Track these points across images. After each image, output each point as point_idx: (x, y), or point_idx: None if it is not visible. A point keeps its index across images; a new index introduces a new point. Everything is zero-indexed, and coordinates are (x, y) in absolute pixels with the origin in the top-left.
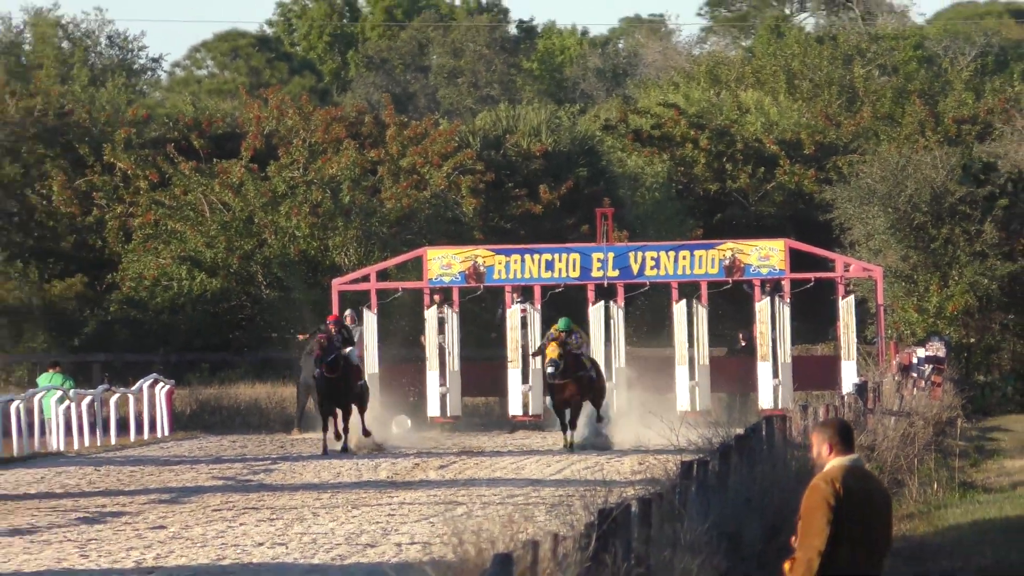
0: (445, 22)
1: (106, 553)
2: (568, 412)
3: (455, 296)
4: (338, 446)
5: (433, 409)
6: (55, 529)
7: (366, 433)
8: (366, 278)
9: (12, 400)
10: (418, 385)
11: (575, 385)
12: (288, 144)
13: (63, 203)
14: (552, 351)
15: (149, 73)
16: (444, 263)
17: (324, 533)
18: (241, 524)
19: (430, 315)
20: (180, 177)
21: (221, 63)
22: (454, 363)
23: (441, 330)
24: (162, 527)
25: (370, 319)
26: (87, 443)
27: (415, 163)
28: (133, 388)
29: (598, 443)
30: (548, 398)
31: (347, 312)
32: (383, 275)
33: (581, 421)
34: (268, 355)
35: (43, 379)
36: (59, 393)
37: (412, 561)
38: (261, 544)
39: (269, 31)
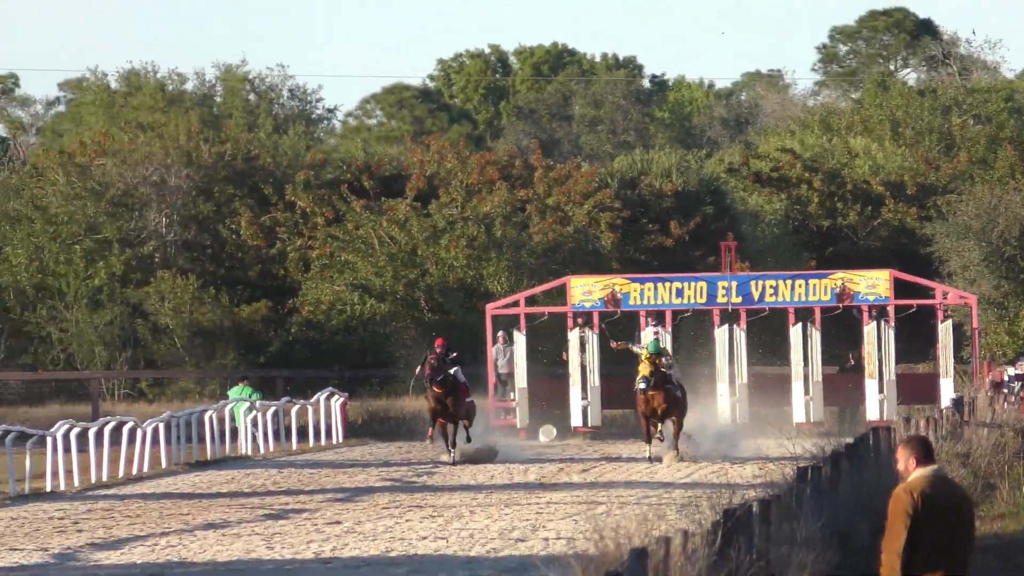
0: (586, 76)
1: (288, 545)
2: (653, 424)
3: (595, 319)
4: (448, 458)
5: (576, 419)
6: (244, 524)
7: (468, 439)
8: (516, 303)
9: (206, 410)
10: (562, 398)
11: (662, 396)
12: (447, 185)
13: (250, 237)
14: (644, 368)
15: (325, 122)
16: (585, 290)
17: (480, 529)
18: (407, 520)
19: (573, 336)
20: (352, 214)
21: (388, 113)
22: (595, 379)
23: (583, 349)
24: (337, 522)
25: (519, 340)
26: (271, 448)
27: (559, 201)
28: (311, 400)
29: (687, 454)
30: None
31: (500, 333)
32: (531, 301)
33: (668, 437)
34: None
35: (234, 392)
36: (247, 404)
37: (558, 555)
38: (424, 538)
39: (431, 84)
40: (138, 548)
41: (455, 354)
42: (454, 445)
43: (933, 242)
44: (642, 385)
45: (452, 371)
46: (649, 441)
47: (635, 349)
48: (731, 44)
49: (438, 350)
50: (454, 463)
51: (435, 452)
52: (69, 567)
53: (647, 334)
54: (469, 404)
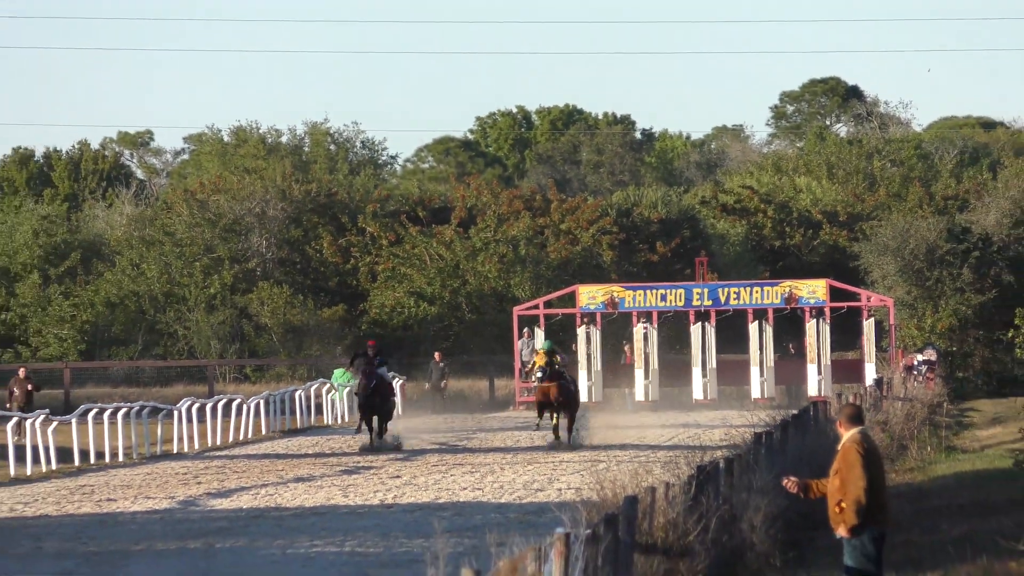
0: (591, 130)
1: (360, 494)
2: (549, 411)
3: (598, 319)
4: (372, 444)
5: (583, 396)
6: (325, 478)
7: (384, 430)
8: (536, 306)
9: (296, 390)
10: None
11: (556, 388)
12: (483, 214)
13: (330, 255)
14: (540, 360)
15: (388, 166)
16: (590, 296)
17: (508, 481)
18: (451, 475)
19: (581, 332)
20: (410, 237)
21: (437, 159)
22: (597, 364)
23: (588, 341)
24: (398, 476)
25: (539, 334)
26: (346, 419)
27: (570, 227)
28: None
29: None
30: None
31: (524, 330)
32: (548, 304)
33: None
34: (470, 359)
35: (337, 373)
36: (348, 385)
37: (568, 501)
38: (465, 488)
39: (471, 136)
40: (244, 496)
41: (383, 357)
42: (380, 436)
43: (859, 257)
44: (539, 375)
45: (380, 371)
46: (540, 416)
47: (533, 359)
48: (703, 104)
49: (370, 351)
50: (374, 449)
51: (361, 440)
52: (191, 511)
53: (638, 330)
54: (392, 403)
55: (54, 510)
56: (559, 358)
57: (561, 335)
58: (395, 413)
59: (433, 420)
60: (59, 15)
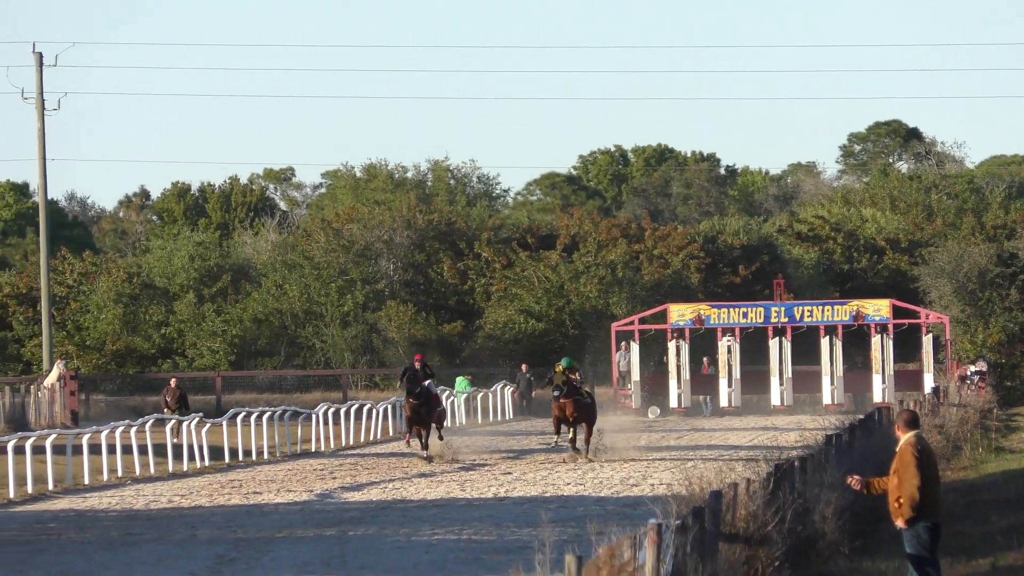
0: (681, 167)
1: (475, 488)
2: (565, 426)
3: (687, 334)
4: (423, 454)
5: (673, 402)
6: (445, 474)
7: (440, 438)
8: (632, 323)
9: None
10: (663, 387)
11: (572, 405)
12: (584, 241)
13: (449, 277)
14: (558, 378)
15: (501, 198)
16: (680, 313)
17: (607, 477)
18: (556, 471)
19: (671, 346)
20: (520, 261)
21: (544, 192)
22: (686, 374)
23: (678, 354)
24: (509, 473)
25: (634, 348)
26: (466, 422)
27: (662, 252)
28: (491, 389)
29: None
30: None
31: (622, 343)
32: (642, 321)
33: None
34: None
35: (459, 381)
36: (467, 392)
37: (660, 495)
38: (568, 484)
39: (574, 172)
40: (374, 490)
41: (429, 369)
42: (426, 446)
43: (919, 280)
44: (555, 393)
45: (426, 383)
46: (558, 432)
47: (551, 375)
48: (780, 143)
49: (416, 365)
50: (428, 459)
51: (413, 450)
52: (327, 503)
53: (722, 344)
54: (440, 411)
55: (207, 501)
56: (577, 375)
57: (654, 348)
58: (444, 419)
59: (539, 423)
60: (206, 67)
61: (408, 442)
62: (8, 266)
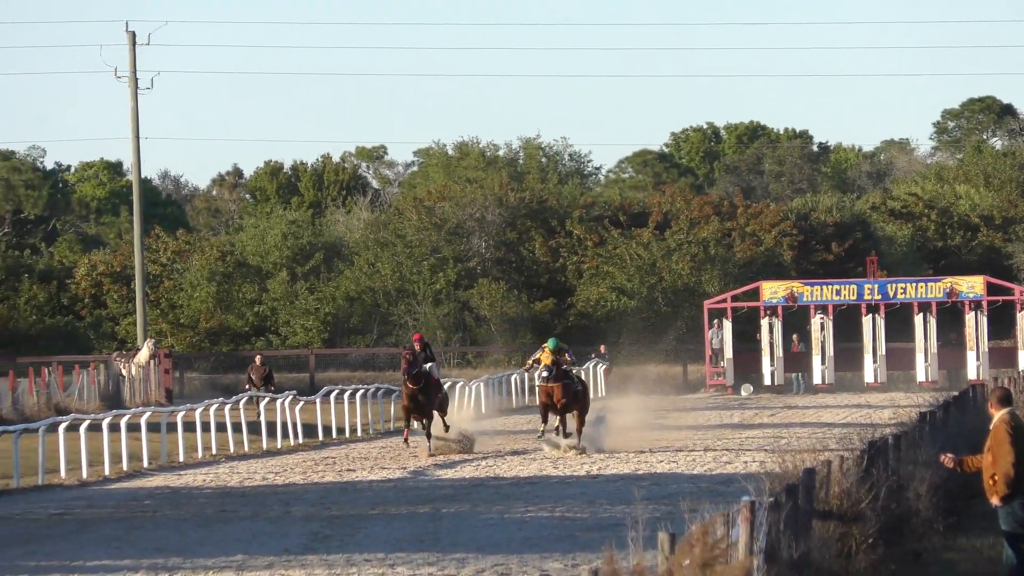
0: (773, 143)
1: (568, 466)
2: (552, 412)
3: (779, 312)
4: (424, 446)
5: (766, 380)
6: (538, 451)
7: (446, 427)
8: (724, 300)
9: (512, 374)
10: (756, 365)
11: (560, 389)
12: (677, 218)
13: (541, 255)
14: (545, 358)
15: (593, 176)
16: (772, 291)
17: (699, 454)
18: (649, 449)
19: (764, 323)
20: (612, 239)
21: (636, 169)
22: (779, 351)
23: (771, 331)
24: (601, 450)
25: (727, 325)
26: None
27: (755, 229)
28: (583, 366)
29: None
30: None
31: (715, 321)
32: (735, 298)
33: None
34: (666, 346)
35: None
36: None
37: (753, 472)
38: (661, 461)
39: (666, 150)
40: (466, 467)
41: (430, 351)
42: (430, 436)
43: (1013, 256)
44: (544, 374)
45: (427, 367)
46: (545, 421)
47: (537, 356)
48: (874, 120)
49: (416, 345)
50: (432, 454)
51: (413, 449)
52: (420, 480)
53: (815, 321)
54: (443, 397)
55: (301, 479)
56: (568, 357)
57: (746, 326)
58: (447, 406)
59: (633, 400)
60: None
61: (406, 439)
62: (102, 244)
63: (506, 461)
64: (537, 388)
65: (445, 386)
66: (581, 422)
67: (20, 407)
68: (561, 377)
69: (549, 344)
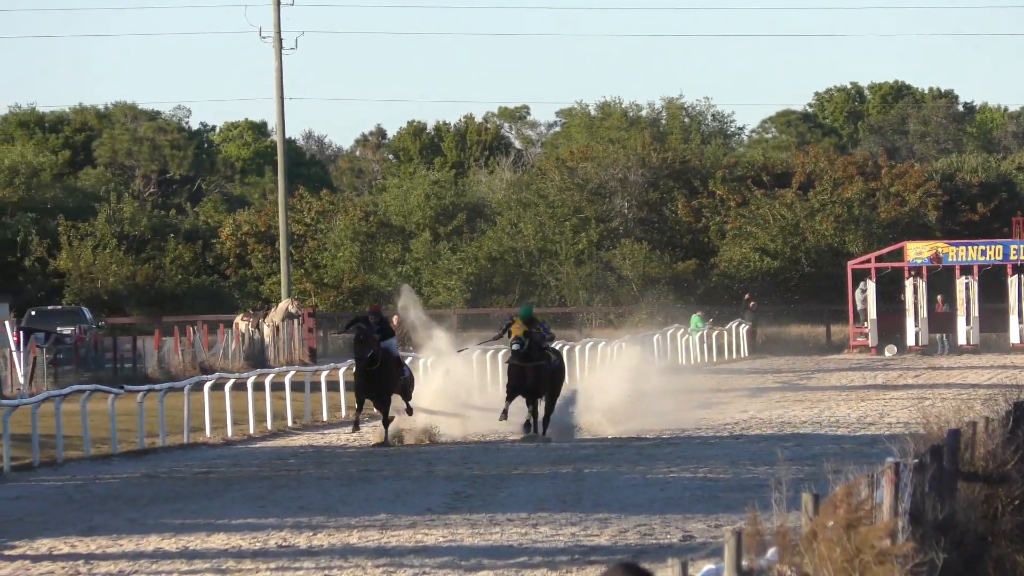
0: (918, 104)
1: (711, 427)
2: (523, 396)
3: (924, 272)
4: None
5: (910, 340)
6: (680, 411)
7: (410, 412)
8: (868, 260)
9: (654, 334)
10: (900, 325)
11: (535, 372)
12: (820, 179)
13: (684, 215)
14: (517, 329)
15: (736, 136)
16: (916, 251)
17: (843, 416)
18: (792, 410)
19: (908, 284)
20: (755, 199)
21: (780, 129)
22: (923, 312)
23: (915, 292)
24: (744, 411)
25: (871, 286)
26: (705, 360)
27: (899, 190)
28: (726, 327)
29: (565, 432)
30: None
31: (861, 283)
32: (879, 259)
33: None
34: (809, 307)
35: (694, 320)
36: (703, 329)
37: (897, 433)
38: (805, 422)
39: (809, 110)
40: (609, 427)
41: (388, 324)
42: (387, 423)
43: None
44: (515, 347)
45: (385, 344)
46: (510, 400)
47: (507, 328)
48: (1020, 79)
49: (371, 319)
50: (386, 444)
51: (369, 441)
52: (562, 439)
53: (960, 283)
54: (405, 379)
55: (444, 438)
56: (540, 328)
57: (890, 286)
58: (411, 388)
59: (776, 361)
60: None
61: (357, 425)
62: (247, 204)
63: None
64: (508, 367)
65: (413, 363)
66: (550, 406)
67: (166, 366)
68: (535, 352)
69: (521, 312)
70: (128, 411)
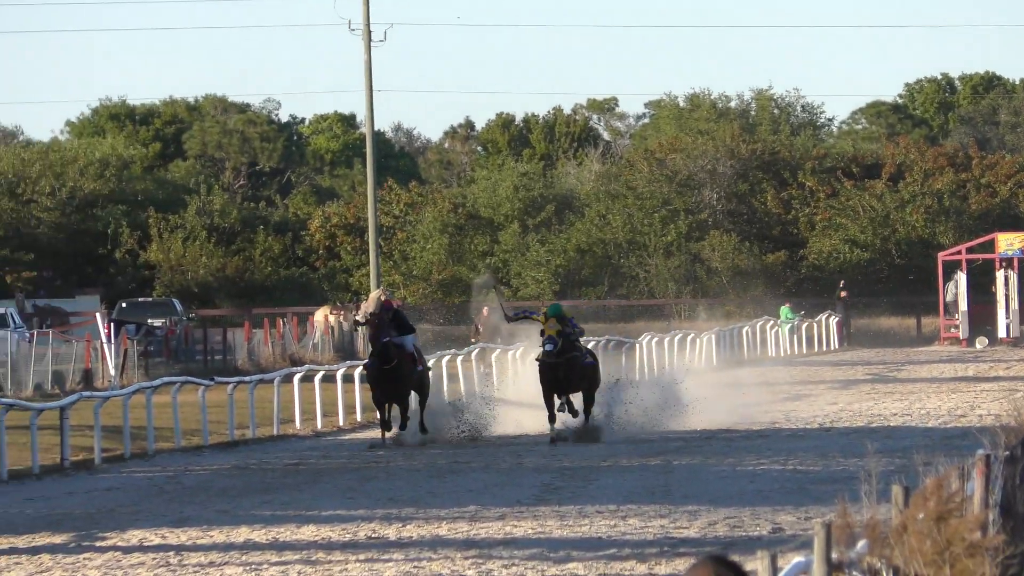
0: (1010, 94)
1: (800, 419)
2: (559, 399)
3: (1015, 264)
4: (396, 433)
5: (1001, 332)
6: (771, 403)
7: (423, 430)
8: (959, 252)
9: (743, 326)
10: (991, 317)
11: (567, 368)
12: (910, 170)
13: (773, 206)
14: (550, 328)
15: (825, 127)
16: (1008, 242)
17: (934, 408)
18: (882, 402)
19: (999, 275)
20: (845, 190)
21: (870, 121)
22: (1015, 303)
23: (1006, 284)
24: (834, 403)
25: (961, 277)
26: (791, 351)
27: (990, 181)
28: (816, 319)
29: (586, 435)
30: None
31: (954, 274)
32: (970, 250)
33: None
34: (899, 299)
35: (783, 311)
36: (793, 321)
37: (988, 425)
38: (895, 414)
39: (900, 101)
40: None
41: (403, 318)
42: (403, 426)
43: None
44: (548, 347)
45: (399, 340)
46: (550, 408)
47: (533, 317)
48: None
49: (384, 315)
50: (395, 441)
51: (391, 443)
52: (651, 431)
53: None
54: (421, 373)
55: (532, 431)
56: (570, 324)
57: (981, 278)
58: (427, 389)
59: (866, 353)
60: None
61: (384, 437)
62: (336, 197)
63: (736, 410)
64: (539, 366)
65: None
66: (589, 400)
67: (256, 358)
68: (569, 350)
69: (550, 310)
70: (219, 403)
